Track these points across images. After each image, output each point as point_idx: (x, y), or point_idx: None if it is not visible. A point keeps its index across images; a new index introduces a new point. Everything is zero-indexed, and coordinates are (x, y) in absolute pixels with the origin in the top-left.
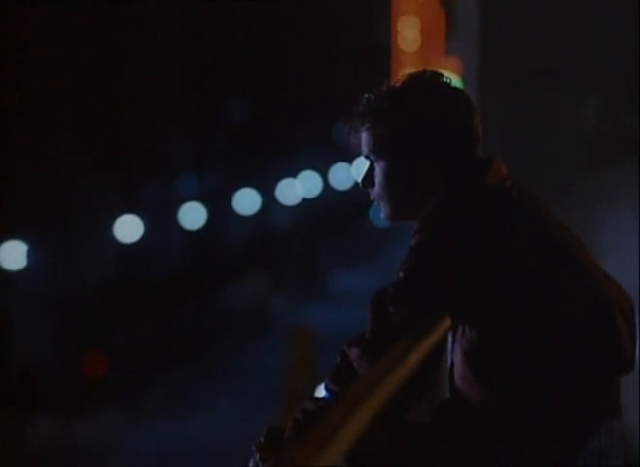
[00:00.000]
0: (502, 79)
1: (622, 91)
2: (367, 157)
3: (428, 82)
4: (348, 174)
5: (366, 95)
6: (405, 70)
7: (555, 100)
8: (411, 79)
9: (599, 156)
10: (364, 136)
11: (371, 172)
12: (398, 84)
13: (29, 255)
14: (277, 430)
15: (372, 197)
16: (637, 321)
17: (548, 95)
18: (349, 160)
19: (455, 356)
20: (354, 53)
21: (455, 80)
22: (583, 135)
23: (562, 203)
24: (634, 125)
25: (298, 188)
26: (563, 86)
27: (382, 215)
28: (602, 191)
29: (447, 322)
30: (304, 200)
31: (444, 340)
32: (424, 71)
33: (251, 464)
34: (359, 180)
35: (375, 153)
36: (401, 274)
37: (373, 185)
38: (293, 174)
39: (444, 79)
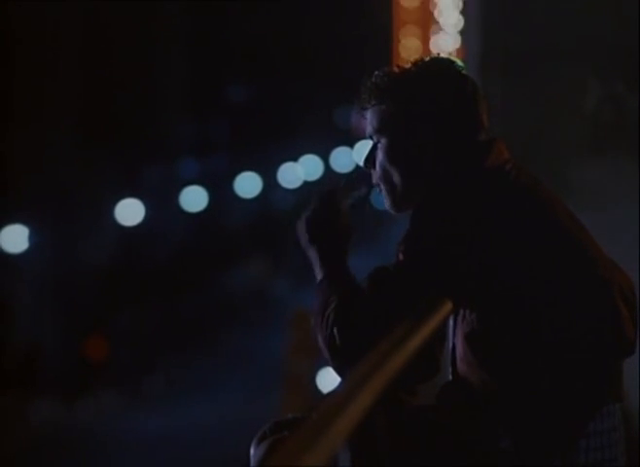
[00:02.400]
0: (502, 62)
1: (622, 75)
2: (370, 137)
3: (438, 66)
4: (349, 158)
5: (376, 72)
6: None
7: (556, 84)
8: (422, 61)
9: (599, 139)
10: (369, 114)
11: (373, 152)
12: (408, 65)
13: (30, 238)
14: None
15: (374, 181)
16: (637, 304)
17: (548, 79)
18: (351, 143)
19: (456, 339)
20: (357, 36)
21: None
22: (583, 119)
23: (562, 187)
24: (634, 108)
25: (299, 171)
26: (564, 69)
27: (385, 203)
28: (602, 175)
29: (448, 306)
30: (306, 184)
31: (446, 323)
32: (436, 56)
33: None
34: (361, 160)
35: (378, 131)
36: (400, 256)
37: (375, 165)
38: (294, 158)
39: (455, 65)
